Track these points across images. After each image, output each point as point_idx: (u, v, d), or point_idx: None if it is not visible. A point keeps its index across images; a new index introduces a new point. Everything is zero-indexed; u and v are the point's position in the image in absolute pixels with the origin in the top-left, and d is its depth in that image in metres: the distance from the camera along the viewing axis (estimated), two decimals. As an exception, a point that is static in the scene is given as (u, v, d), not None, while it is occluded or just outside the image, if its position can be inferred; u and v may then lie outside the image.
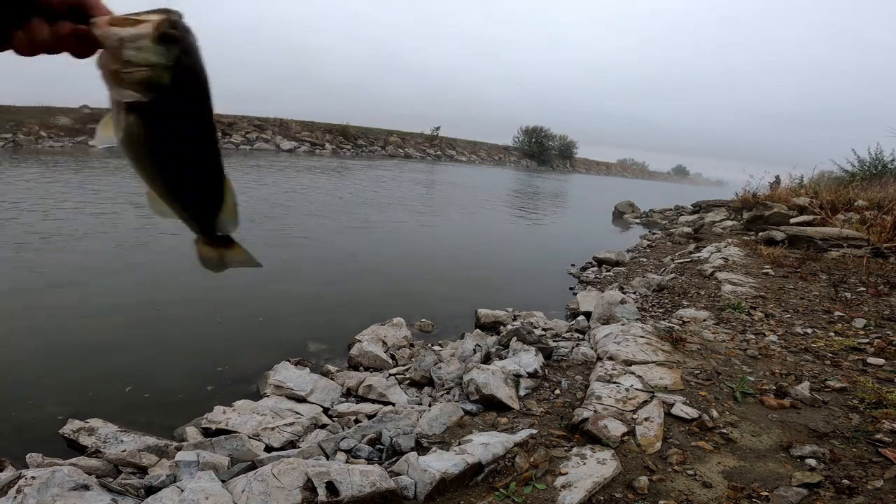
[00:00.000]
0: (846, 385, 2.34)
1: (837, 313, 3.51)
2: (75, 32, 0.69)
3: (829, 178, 12.23)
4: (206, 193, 0.76)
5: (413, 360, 3.26)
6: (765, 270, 5.22)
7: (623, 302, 4.07)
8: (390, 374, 3.08)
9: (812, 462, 1.77)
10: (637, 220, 13.04)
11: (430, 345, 3.57)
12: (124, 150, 0.69)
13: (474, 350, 3.33)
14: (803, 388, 2.28)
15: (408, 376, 3.06)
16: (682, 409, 2.15)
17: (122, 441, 1.99)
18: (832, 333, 3.10)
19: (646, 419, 2.08)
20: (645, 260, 7.34)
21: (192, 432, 2.32)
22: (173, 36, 0.65)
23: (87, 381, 2.82)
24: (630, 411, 2.16)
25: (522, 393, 2.47)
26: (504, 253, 7.57)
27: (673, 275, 5.79)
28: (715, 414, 2.13)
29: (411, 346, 3.55)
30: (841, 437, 1.92)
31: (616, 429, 1.99)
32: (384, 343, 3.46)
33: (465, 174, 23.48)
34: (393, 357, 3.36)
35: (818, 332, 3.14)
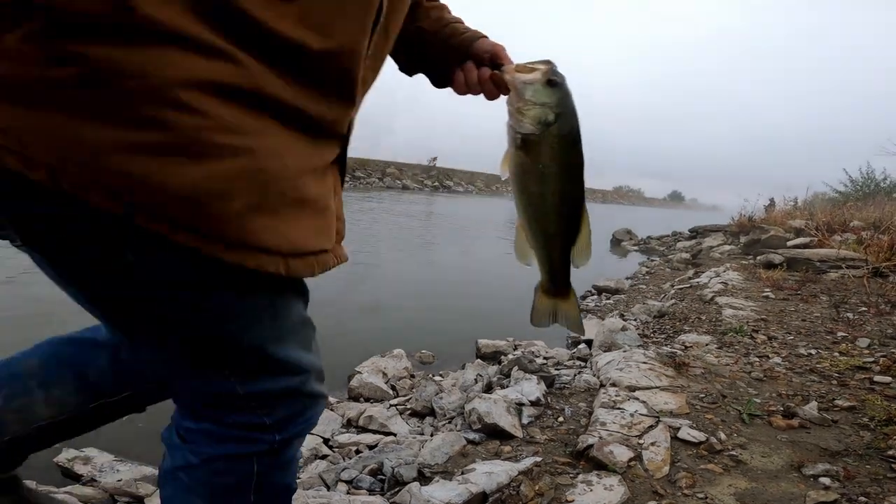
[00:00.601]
0: (854, 404, 2.31)
1: (840, 333, 3.49)
2: (492, 77, 0.93)
3: (822, 199, 12.32)
4: (568, 222, 0.90)
5: (414, 390, 3.21)
6: (765, 294, 5.21)
7: (624, 329, 4.05)
8: (391, 405, 3.03)
9: (826, 481, 1.73)
10: (635, 248, 13.06)
11: (430, 375, 3.53)
12: (512, 180, 0.87)
13: (475, 380, 3.30)
14: (811, 408, 2.24)
15: (409, 407, 3.01)
16: (689, 433, 2.12)
17: (117, 470, 1.94)
18: (836, 353, 3.08)
19: (652, 444, 2.05)
20: (644, 287, 7.33)
21: (189, 467, 2.26)
22: (556, 82, 0.81)
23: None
24: (636, 436, 2.12)
25: (525, 421, 2.43)
26: (503, 283, 7.55)
27: (673, 301, 5.77)
28: (723, 436, 2.09)
29: (412, 376, 3.51)
30: (854, 455, 1.89)
31: (622, 454, 1.95)
32: (384, 374, 3.41)
33: (463, 205, 23.64)
34: (393, 388, 3.31)
35: (822, 353, 3.12)
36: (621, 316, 5.33)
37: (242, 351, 0.76)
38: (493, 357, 4.05)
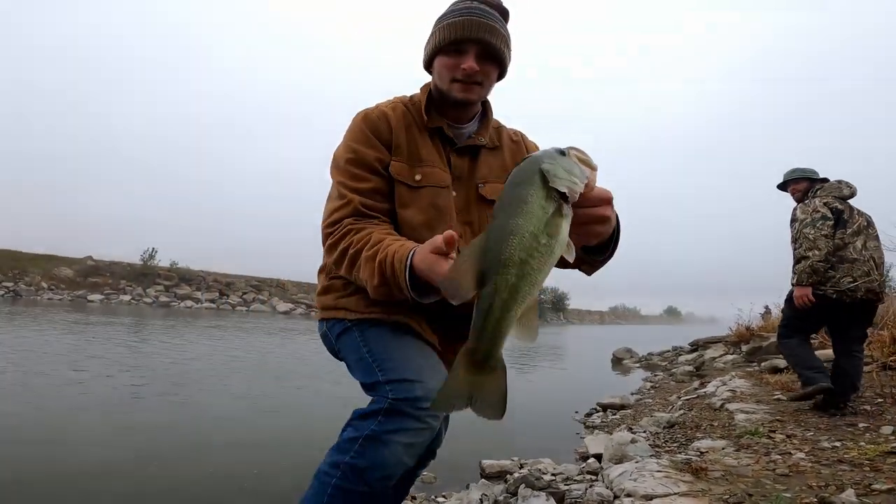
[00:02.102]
0: (893, 486, 2.13)
1: (862, 424, 3.33)
2: None
3: (815, 302, 12.29)
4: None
5: (413, 512, 2.95)
6: (776, 396, 5.06)
7: (634, 441, 3.85)
8: (389, 531, 2.75)
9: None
10: (637, 365, 12.80)
11: (433, 497, 3.27)
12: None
13: (481, 500, 3.08)
14: (849, 496, 2.05)
15: (409, 531, 2.73)
16: (719, 533, 1.90)
17: None
18: (862, 443, 2.90)
19: (679, 547, 1.83)
20: (650, 401, 7.12)
21: None
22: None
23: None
24: (660, 541, 1.90)
25: (537, 535, 2.19)
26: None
27: (682, 411, 5.57)
28: (756, 533, 1.88)
29: (413, 498, 3.23)
30: (904, 536, 1.69)
31: (648, 561, 1.74)
32: (381, 499, 3.14)
33: (458, 335, 23.29)
34: (392, 513, 3.03)
35: (847, 444, 2.94)
36: (630, 429, 5.08)
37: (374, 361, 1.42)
38: (498, 476, 3.77)
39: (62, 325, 12.94)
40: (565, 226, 0.79)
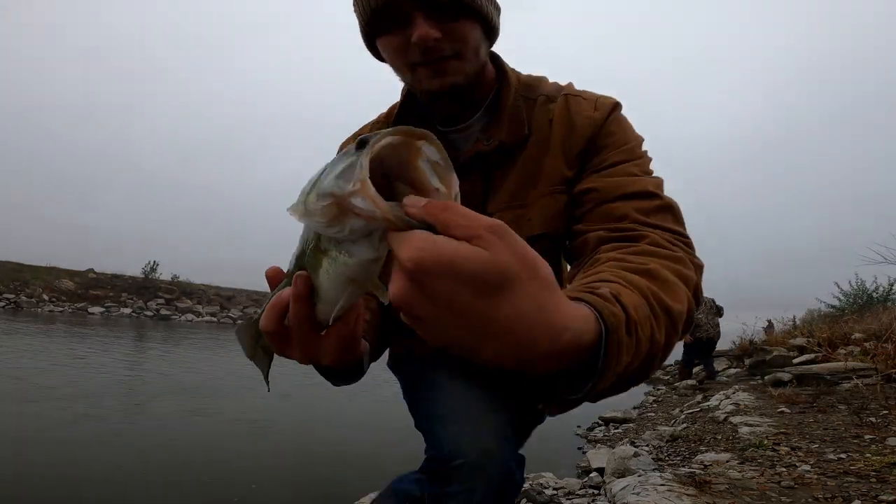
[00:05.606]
0: (900, 497, 2.08)
1: (868, 436, 3.29)
2: None
3: (819, 316, 12.25)
4: None
5: (411, 526, 2.90)
6: (780, 410, 5.00)
7: (636, 455, 3.81)
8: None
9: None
10: (638, 379, 12.74)
11: (429, 511, 3.21)
12: None
13: (480, 513, 2.99)
14: (855, 508, 2.01)
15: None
16: (723, 546, 1.86)
17: None
18: (868, 455, 2.86)
19: (683, 560, 1.79)
20: (653, 414, 7.10)
21: None
22: None
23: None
24: (664, 555, 1.86)
25: (537, 549, 2.15)
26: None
27: (685, 424, 5.54)
28: (762, 546, 1.84)
29: (409, 513, 3.19)
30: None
31: (651, 574, 1.69)
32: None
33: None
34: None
35: (853, 456, 2.90)
36: (632, 443, 5.04)
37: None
38: (498, 491, 3.72)
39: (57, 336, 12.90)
40: (326, 265, 0.50)
